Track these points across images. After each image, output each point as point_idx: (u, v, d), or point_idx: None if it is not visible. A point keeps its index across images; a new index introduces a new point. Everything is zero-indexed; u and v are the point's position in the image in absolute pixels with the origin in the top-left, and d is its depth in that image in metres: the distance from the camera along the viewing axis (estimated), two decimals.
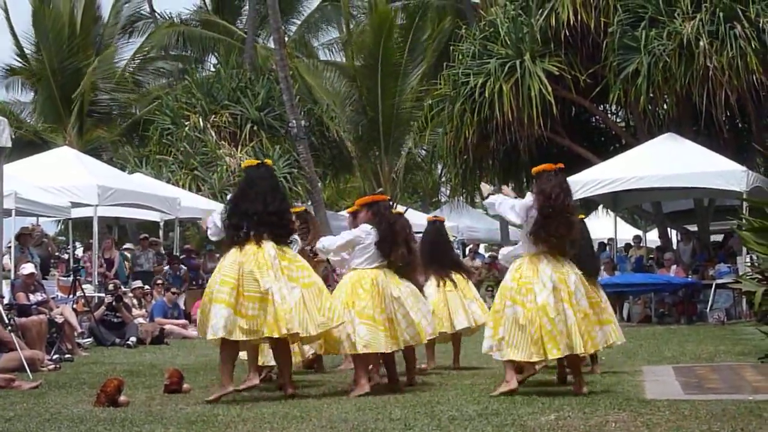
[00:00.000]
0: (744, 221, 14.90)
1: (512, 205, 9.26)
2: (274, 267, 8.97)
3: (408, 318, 9.72)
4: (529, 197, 9.20)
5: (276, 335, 8.91)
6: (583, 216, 12.18)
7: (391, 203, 10.38)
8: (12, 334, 12.30)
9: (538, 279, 9.01)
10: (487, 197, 9.77)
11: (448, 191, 37.15)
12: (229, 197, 9.51)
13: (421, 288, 10.75)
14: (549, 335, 8.88)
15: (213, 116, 29.29)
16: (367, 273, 9.64)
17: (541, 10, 23.93)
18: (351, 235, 9.82)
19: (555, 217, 9.03)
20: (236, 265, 8.95)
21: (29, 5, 33.19)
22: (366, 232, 9.73)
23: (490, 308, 9.82)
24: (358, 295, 9.51)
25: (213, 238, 9.71)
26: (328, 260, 11.60)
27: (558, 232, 9.06)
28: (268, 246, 9.04)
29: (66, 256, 24.32)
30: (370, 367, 9.96)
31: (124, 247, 23.95)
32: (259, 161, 9.67)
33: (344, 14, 35.69)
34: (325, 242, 10.00)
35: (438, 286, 12.21)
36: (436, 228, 12.73)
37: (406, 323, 9.70)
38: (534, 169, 9.44)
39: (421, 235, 12.57)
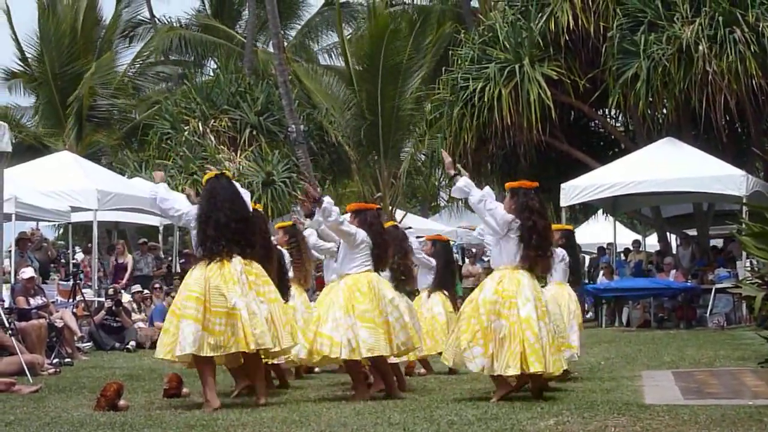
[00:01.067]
0: (744, 226, 14.89)
1: (491, 211, 9.17)
2: (241, 282, 8.81)
3: (401, 321, 9.69)
4: (502, 209, 9.18)
5: (247, 350, 8.73)
6: (571, 227, 12.30)
7: (380, 212, 10.28)
8: (12, 338, 12.31)
9: (521, 293, 9.00)
10: (455, 176, 9.44)
11: (447, 196, 37.13)
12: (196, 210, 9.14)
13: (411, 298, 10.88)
14: (532, 348, 8.83)
15: (212, 121, 29.28)
16: (362, 276, 9.62)
17: (540, 15, 23.94)
18: (355, 230, 9.69)
19: (540, 235, 9.11)
20: (202, 280, 8.77)
21: (32, 9, 33.25)
22: (365, 236, 9.72)
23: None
24: (357, 299, 9.47)
25: (163, 204, 9.35)
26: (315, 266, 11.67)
27: (543, 251, 9.17)
28: (235, 260, 8.88)
29: (64, 261, 24.29)
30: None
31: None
32: (218, 172, 9.29)
33: (337, 19, 35.66)
34: (333, 211, 9.55)
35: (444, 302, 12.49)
36: (448, 247, 13.00)
37: (400, 326, 9.65)
38: (510, 184, 9.47)
39: (416, 241, 12.70)
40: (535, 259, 9.18)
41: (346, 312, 9.40)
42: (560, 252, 11.23)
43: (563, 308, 11.17)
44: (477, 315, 9.08)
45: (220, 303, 8.71)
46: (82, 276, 20.23)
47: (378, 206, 10.51)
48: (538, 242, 9.12)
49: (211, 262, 8.86)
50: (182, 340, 8.62)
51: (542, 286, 10.04)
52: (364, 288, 9.52)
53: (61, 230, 34.02)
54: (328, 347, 9.37)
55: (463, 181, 9.38)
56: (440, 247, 12.87)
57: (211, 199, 9.03)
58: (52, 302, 16.45)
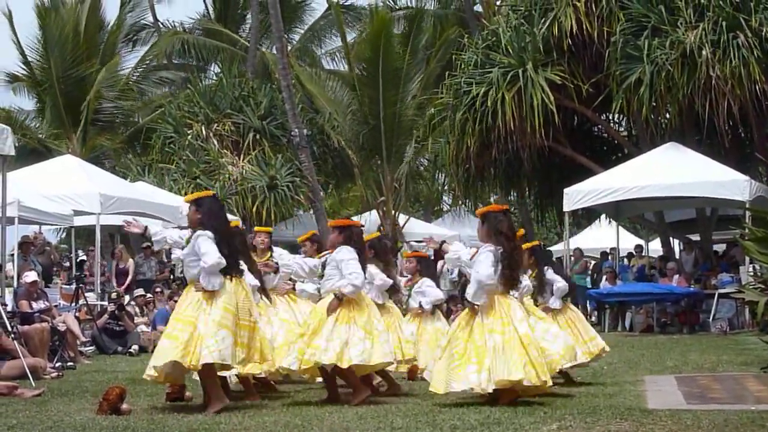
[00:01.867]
0: (747, 231, 14.88)
1: (489, 263, 9.18)
2: (253, 298, 9.28)
3: (384, 335, 9.63)
4: (487, 251, 9.23)
5: (265, 361, 9.15)
6: (538, 242, 12.14)
7: (362, 230, 10.37)
8: (15, 341, 12.32)
9: (514, 315, 9.11)
10: (443, 243, 9.91)
11: (450, 200, 37.13)
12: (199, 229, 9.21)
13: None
14: (536, 361, 8.92)
15: (215, 125, 29.32)
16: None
17: (543, 19, 23.93)
18: (311, 262, 10.21)
19: (507, 257, 9.20)
20: (233, 295, 8.94)
21: (33, 13, 33.23)
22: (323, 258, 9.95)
23: None
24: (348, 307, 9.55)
25: (160, 245, 9.58)
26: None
27: (513, 270, 9.27)
28: (245, 277, 9.22)
29: (67, 264, 24.31)
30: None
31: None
32: (213, 192, 9.56)
33: (338, 23, 35.69)
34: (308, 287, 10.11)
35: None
36: (429, 262, 13.09)
37: (383, 339, 9.60)
38: (479, 211, 9.70)
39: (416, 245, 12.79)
40: (511, 278, 9.26)
41: (340, 322, 9.41)
42: (554, 281, 11.27)
43: (579, 322, 11.36)
44: (469, 336, 9.11)
45: (248, 317, 8.99)
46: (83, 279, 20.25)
47: (361, 224, 10.50)
48: (509, 262, 9.19)
49: (232, 278, 9.02)
50: (223, 350, 8.69)
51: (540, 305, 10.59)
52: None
53: (64, 234, 34.01)
54: (318, 355, 9.30)
55: (457, 251, 9.71)
56: (428, 264, 12.84)
57: (213, 217, 9.17)
58: (55, 306, 16.46)
